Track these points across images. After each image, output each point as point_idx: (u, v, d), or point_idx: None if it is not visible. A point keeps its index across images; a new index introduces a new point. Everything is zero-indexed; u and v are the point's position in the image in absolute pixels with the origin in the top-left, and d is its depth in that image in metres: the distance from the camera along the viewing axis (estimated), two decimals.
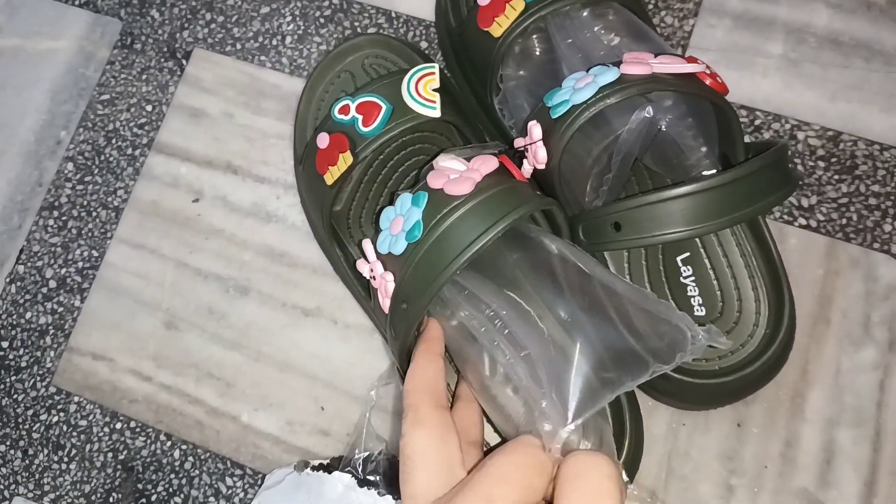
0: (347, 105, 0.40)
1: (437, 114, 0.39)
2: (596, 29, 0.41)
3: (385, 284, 0.34)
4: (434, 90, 0.40)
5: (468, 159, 0.35)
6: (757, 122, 0.45)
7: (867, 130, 0.44)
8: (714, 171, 0.39)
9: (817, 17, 0.45)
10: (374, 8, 0.50)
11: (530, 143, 0.35)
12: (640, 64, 0.34)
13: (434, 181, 0.34)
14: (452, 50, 0.45)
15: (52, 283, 0.49)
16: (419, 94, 0.40)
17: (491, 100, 0.43)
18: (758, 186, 0.34)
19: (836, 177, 0.44)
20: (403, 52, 0.45)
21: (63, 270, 0.49)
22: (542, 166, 0.36)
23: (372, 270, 0.36)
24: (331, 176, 0.40)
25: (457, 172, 0.34)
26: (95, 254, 0.49)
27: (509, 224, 0.32)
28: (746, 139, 0.44)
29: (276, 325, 0.46)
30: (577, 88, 0.34)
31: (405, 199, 0.35)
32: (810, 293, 0.42)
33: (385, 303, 0.35)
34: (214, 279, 0.47)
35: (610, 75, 0.34)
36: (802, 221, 0.43)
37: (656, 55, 0.36)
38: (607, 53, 0.39)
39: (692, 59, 0.36)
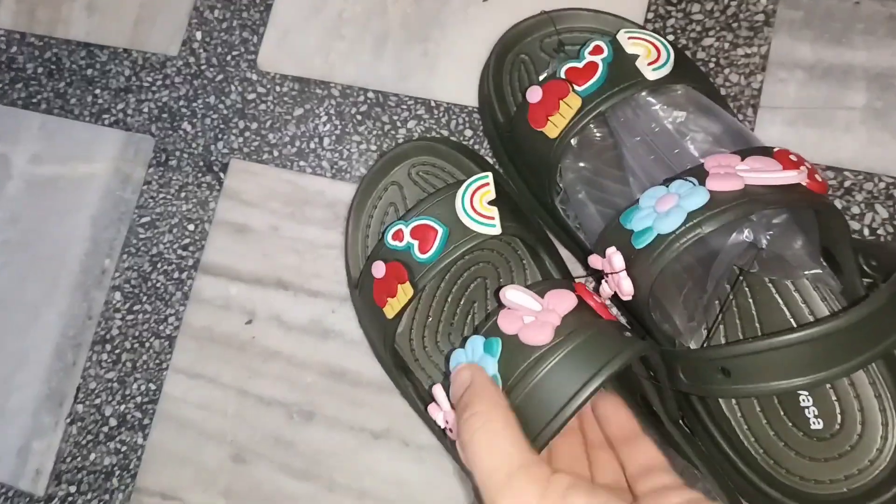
0: (401, 230, 0.37)
1: (497, 231, 0.36)
2: (663, 115, 0.37)
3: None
4: (490, 203, 0.37)
5: (540, 293, 0.32)
6: (847, 184, 0.41)
7: None
8: (817, 269, 0.35)
9: None
10: (412, 98, 0.47)
11: (612, 273, 0.32)
12: (728, 177, 0.30)
13: (507, 324, 0.31)
14: (503, 146, 0.42)
15: (113, 421, 0.48)
16: (475, 211, 0.37)
17: (552, 200, 0.39)
18: (888, 318, 0.30)
19: None
20: (451, 157, 0.42)
21: (122, 407, 0.48)
22: (627, 298, 0.33)
23: (448, 422, 0.33)
24: (391, 309, 0.37)
25: (530, 313, 0.31)
26: (153, 387, 0.47)
27: (604, 380, 0.28)
28: (838, 204, 0.40)
29: (346, 451, 0.44)
30: (661, 213, 0.31)
31: (476, 344, 0.32)
32: None
33: None
34: (278, 405, 0.45)
35: (698, 199, 0.30)
36: None
37: (743, 156, 0.32)
38: (681, 151, 0.35)
39: (785, 157, 0.32)
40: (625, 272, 0.32)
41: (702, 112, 0.38)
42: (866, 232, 0.40)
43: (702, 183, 0.31)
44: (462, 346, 0.33)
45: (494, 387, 0.30)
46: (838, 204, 0.40)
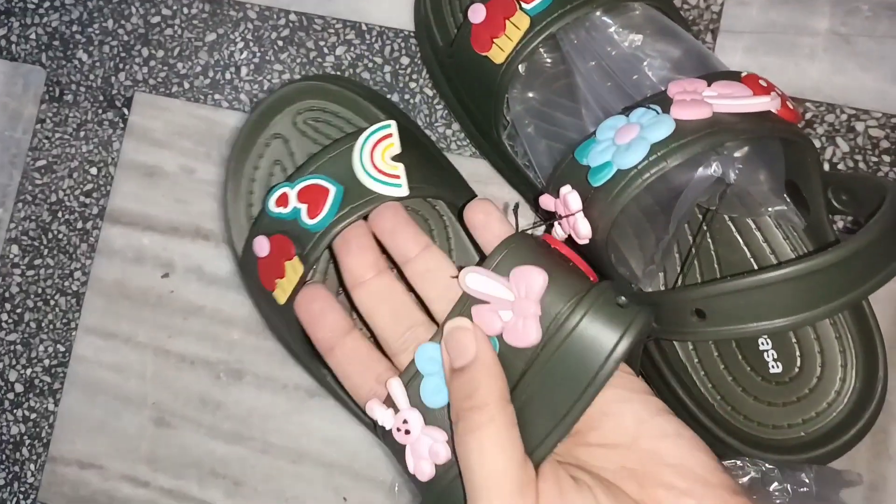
0: (285, 194, 0.31)
1: (403, 192, 0.31)
2: (619, 37, 0.34)
3: (433, 446, 0.27)
4: (395, 158, 0.32)
5: (503, 271, 0.27)
6: (808, 116, 0.38)
7: None
8: (781, 205, 0.32)
9: None
10: (341, 21, 0.42)
11: (567, 215, 0.28)
12: (695, 104, 0.27)
13: (485, 324, 0.27)
14: (443, 73, 0.38)
15: (19, 387, 0.43)
16: (376, 168, 0.31)
17: (497, 135, 0.36)
18: (875, 257, 0.28)
19: None
20: (347, 100, 0.36)
21: (28, 371, 0.43)
22: (584, 241, 0.30)
23: (406, 422, 0.28)
24: (282, 292, 0.31)
25: (504, 304, 0.27)
26: (62, 348, 0.43)
27: (610, 374, 0.26)
28: None
29: (280, 411, 0.41)
30: (621, 146, 0.28)
31: None
32: (885, 312, 0.36)
33: (426, 469, 0.27)
34: (203, 365, 0.41)
35: (662, 129, 0.27)
36: None
37: (709, 82, 0.29)
38: (641, 77, 0.32)
39: (754, 82, 0.29)
40: (581, 213, 0.29)
41: (662, 35, 0.34)
42: (826, 167, 0.38)
43: (666, 111, 0.28)
44: (435, 339, 0.28)
45: (502, 373, 0.27)
46: None
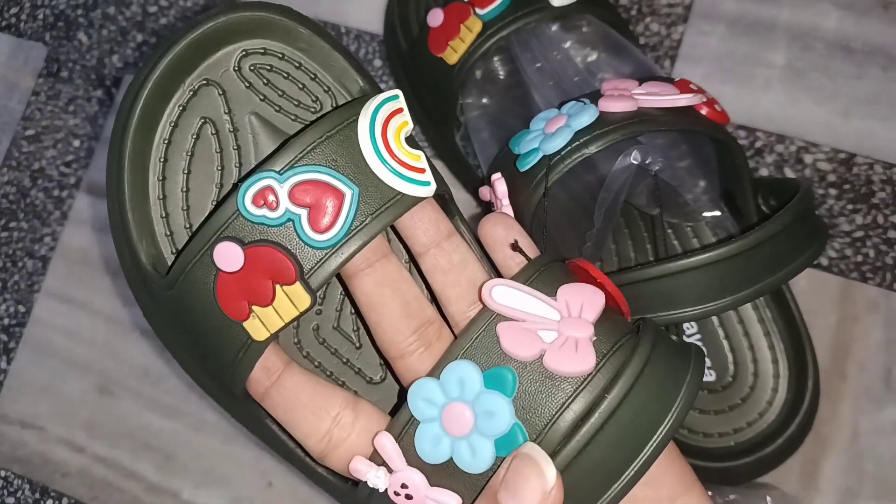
0: (270, 190, 0.22)
1: (431, 190, 0.23)
2: (568, 45, 0.35)
3: None
4: (410, 142, 0.24)
5: (543, 288, 0.23)
6: (758, 145, 0.39)
7: (885, 151, 0.38)
8: (716, 210, 0.33)
9: (825, 19, 0.39)
10: (322, 22, 0.44)
11: (495, 200, 0.29)
12: (622, 98, 0.28)
13: (516, 345, 0.22)
14: (406, 77, 0.40)
15: None
16: (394, 157, 0.23)
17: (451, 135, 0.37)
18: (783, 248, 0.29)
19: (850, 206, 0.38)
20: (316, 49, 0.26)
21: None
22: None
23: (405, 486, 0.22)
24: (260, 326, 0.22)
25: (546, 323, 0.22)
26: (22, 309, 0.44)
27: (676, 427, 0.21)
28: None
29: None
30: (549, 134, 0.29)
31: (464, 372, 0.22)
32: (823, 343, 0.36)
33: None
34: (150, 337, 0.42)
35: (586, 116, 0.28)
36: None
37: (641, 81, 0.30)
38: (583, 78, 0.33)
39: (684, 85, 0.30)
40: (507, 199, 0.30)
41: (612, 51, 0.36)
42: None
43: (595, 104, 0.29)
44: (434, 374, 0.22)
45: None
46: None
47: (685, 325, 0.35)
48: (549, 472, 0.21)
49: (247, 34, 0.26)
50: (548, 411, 0.21)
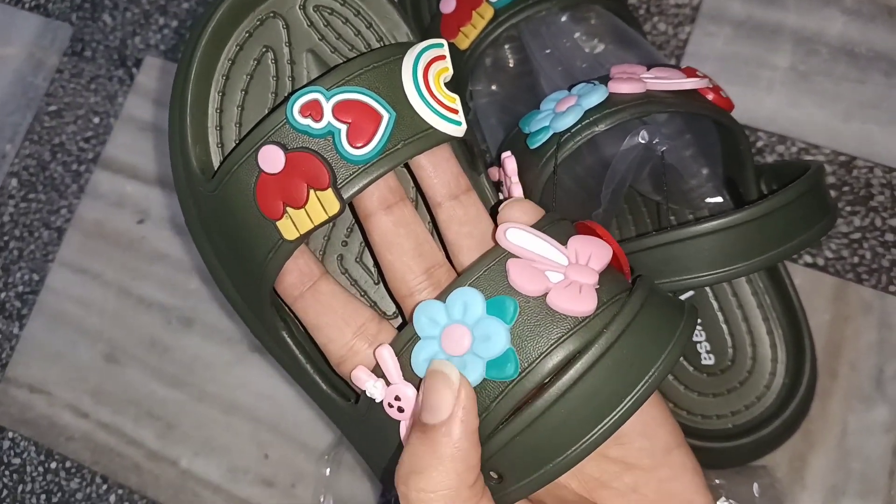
0: (317, 102, 0.24)
1: (461, 130, 0.25)
2: (577, 35, 0.36)
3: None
4: (448, 86, 0.26)
5: (556, 237, 0.24)
6: (759, 144, 0.39)
7: (885, 155, 0.38)
8: (718, 197, 0.34)
9: (830, 24, 0.40)
10: None
11: (504, 178, 0.30)
12: (631, 80, 0.29)
13: (525, 281, 0.22)
14: None
15: None
16: (432, 95, 0.25)
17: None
18: (793, 220, 0.29)
19: (849, 208, 0.38)
20: (377, 3, 0.29)
21: (2, 294, 0.46)
22: None
23: (398, 398, 0.24)
24: (291, 225, 0.24)
25: (554, 266, 0.23)
26: (36, 277, 0.46)
27: (667, 371, 0.22)
28: None
29: (221, 361, 0.42)
30: (559, 113, 0.30)
31: (469, 299, 0.23)
32: (816, 342, 0.36)
33: None
34: (158, 308, 0.43)
35: (596, 96, 0.29)
36: (808, 259, 0.38)
37: (649, 67, 0.31)
38: (591, 65, 0.34)
39: (691, 72, 0.31)
40: (516, 176, 0.31)
41: (620, 43, 0.36)
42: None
43: (605, 85, 0.30)
44: (441, 297, 0.24)
45: (470, 456, 0.22)
46: None
47: None
48: (453, 374, 0.22)
49: None
50: (543, 342, 0.22)
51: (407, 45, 0.25)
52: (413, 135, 0.24)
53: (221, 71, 0.28)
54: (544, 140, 0.30)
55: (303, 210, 0.24)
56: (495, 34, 0.35)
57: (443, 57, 0.26)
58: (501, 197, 0.33)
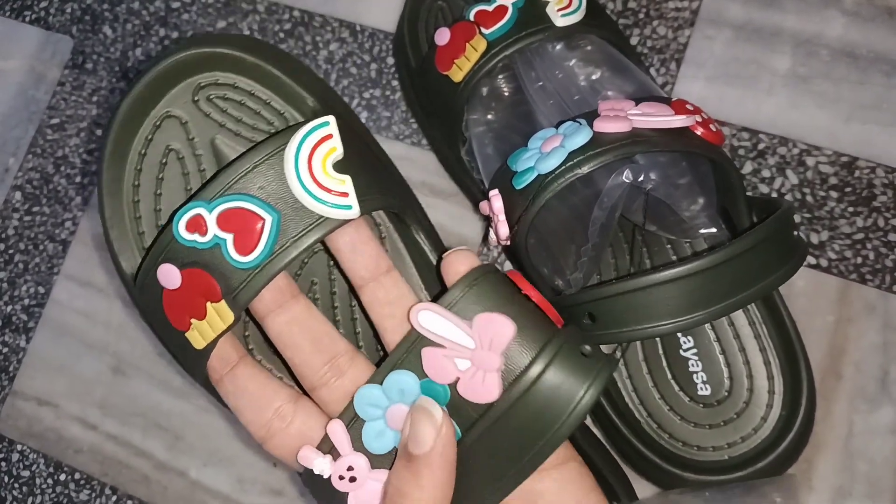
0: (200, 218, 0.25)
1: (354, 212, 0.25)
2: (572, 63, 0.36)
3: (381, 490, 0.26)
4: (337, 166, 0.26)
5: (461, 312, 0.25)
6: (761, 147, 0.40)
7: (886, 156, 0.38)
8: (713, 228, 0.33)
9: (830, 26, 0.40)
10: (338, 21, 0.45)
11: (492, 216, 0.30)
12: (617, 119, 0.29)
13: (436, 371, 0.25)
14: (414, 93, 0.40)
15: None
16: (318, 183, 0.25)
17: (457, 150, 0.38)
18: (756, 264, 0.29)
19: (851, 209, 0.38)
20: (264, 76, 0.28)
21: (9, 308, 0.46)
22: (504, 243, 0.31)
23: (351, 468, 0.25)
24: (199, 336, 0.26)
25: (462, 352, 0.25)
26: (42, 290, 0.46)
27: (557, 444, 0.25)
28: (749, 166, 0.39)
29: None
30: (544, 154, 0.30)
31: (405, 384, 0.25)
32: (819, 343, 0.37)
33: None
34: None
35: (580, 137, 0.29)
36: (812, 260, 0.38)
37: (637, 102, 0.31)
38: (583, 96, 0.34)
39: (681, 105, 0.31)
40: (503, 215, 0.31)
41: (614, 70, 0.36)
42: (774, 196, 0.39)
43: (590, 125, 0.30)
44: (376, 380, 0.26)
45: (451, 479, 0.25)
46: (749, 166, 0.39)
47: (681, 340, 0.35)
48: (437, 412, 0.25)
49: (199, 68, 0.28)
50: (474, 413, 0.25)
51: (290, 132, 0.25)
52: (302, 230, 0.25)
53: (130, 181, 0.29)
54: (529, 181, 0.30)
55: (205, 321, 0.25)
56: (489, 66, 0.35)
57: (329, 136, 0.26)
58: (492, 233, 0.33)
